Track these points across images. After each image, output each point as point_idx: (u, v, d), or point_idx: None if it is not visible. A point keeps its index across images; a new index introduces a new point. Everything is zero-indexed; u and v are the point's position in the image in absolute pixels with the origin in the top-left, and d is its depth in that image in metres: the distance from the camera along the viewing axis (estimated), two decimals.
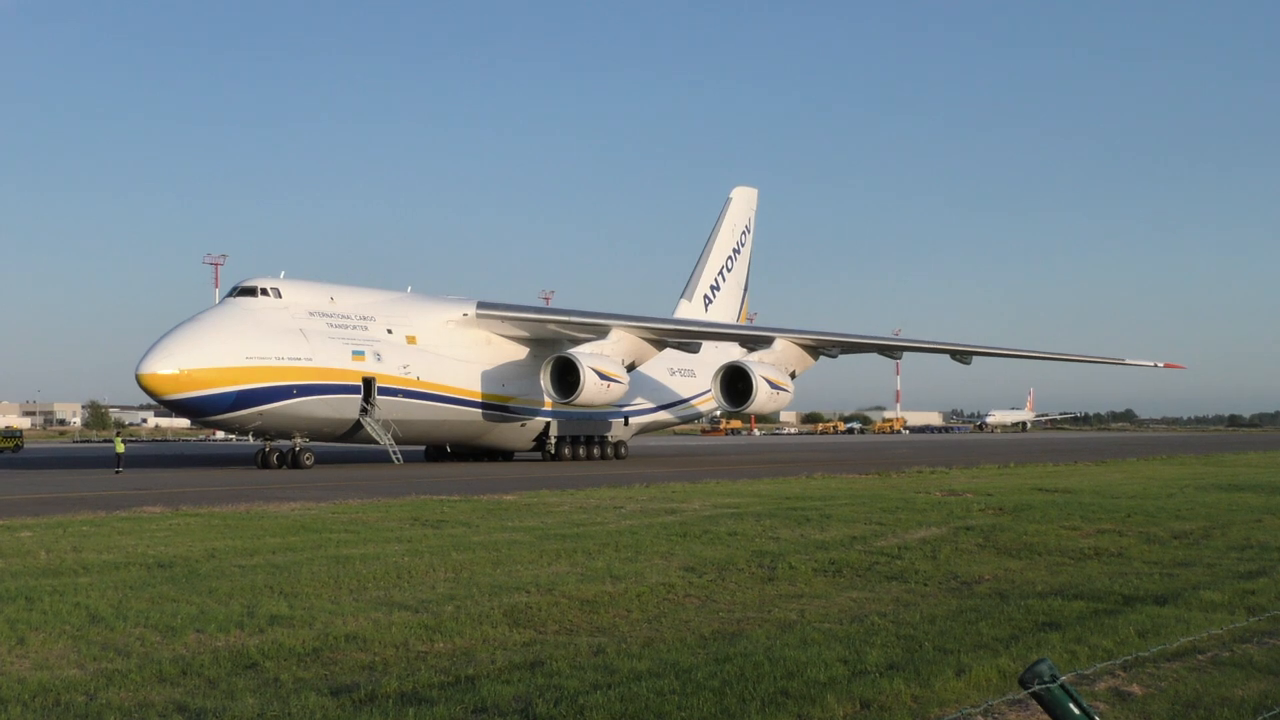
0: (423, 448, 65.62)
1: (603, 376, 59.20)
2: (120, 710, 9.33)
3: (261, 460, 54.68)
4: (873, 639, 11.99)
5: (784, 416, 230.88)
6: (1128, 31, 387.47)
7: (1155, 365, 78.00)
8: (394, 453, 56.29)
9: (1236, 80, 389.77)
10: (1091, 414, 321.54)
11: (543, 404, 62.64)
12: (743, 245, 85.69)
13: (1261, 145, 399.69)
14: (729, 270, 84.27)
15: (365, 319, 57.64)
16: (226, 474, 49.52)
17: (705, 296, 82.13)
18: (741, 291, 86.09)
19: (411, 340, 58.92)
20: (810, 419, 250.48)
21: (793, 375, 66.22)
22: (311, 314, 55.42)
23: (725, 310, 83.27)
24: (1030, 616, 13.35)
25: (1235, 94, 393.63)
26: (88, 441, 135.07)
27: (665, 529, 22.62)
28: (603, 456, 66.25)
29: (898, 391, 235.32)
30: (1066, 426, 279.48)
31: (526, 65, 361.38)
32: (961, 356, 72.46)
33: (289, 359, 53.08)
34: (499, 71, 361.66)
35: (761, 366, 62.96)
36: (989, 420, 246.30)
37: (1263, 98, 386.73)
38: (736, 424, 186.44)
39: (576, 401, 59.30)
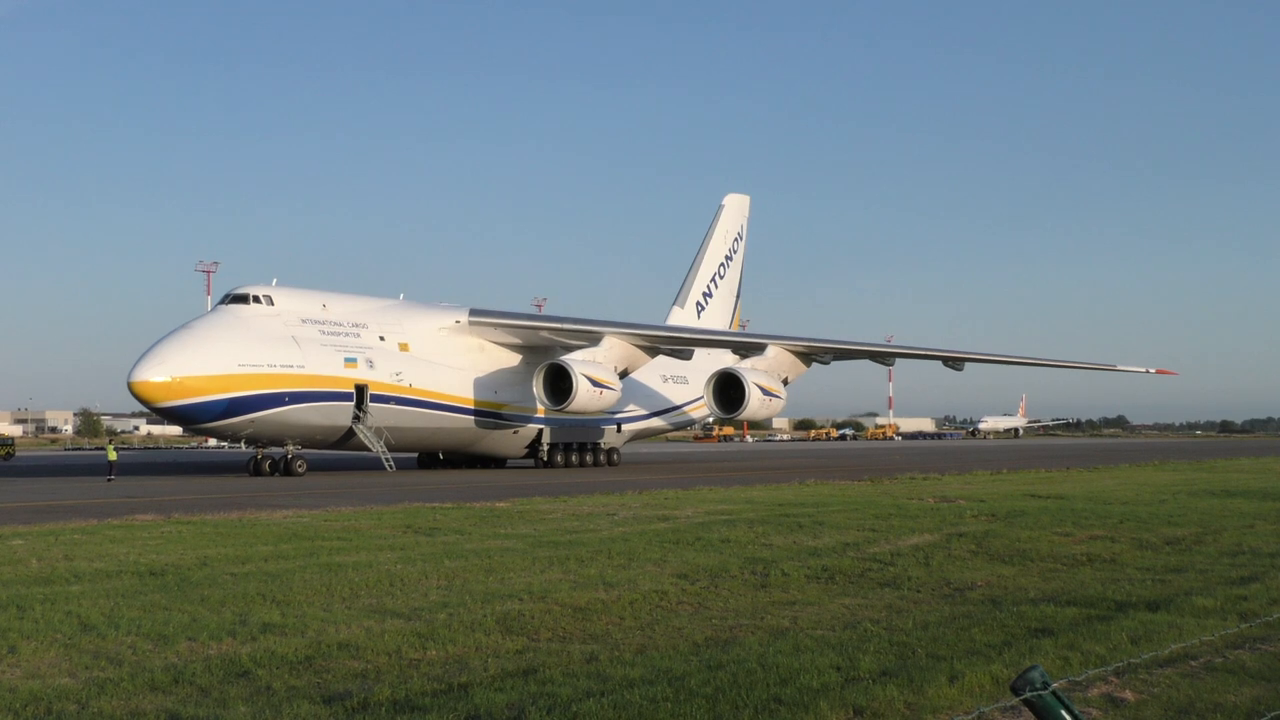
0: (415, 455, 65.56)
1: (595, 383, 59.22)
2: (112, 719, 9.31)
3: (254, 468, 54.63)
4: (866, 646, 11.99)
5: (777, 423, 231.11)
6: (1119, 41, 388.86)
7: (1147, 371, 78.16)
8: (386, 460, 56.27)
9: (1226, 90, 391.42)
10: (1084, 420, 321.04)
11: (535, 411, 62.60)
12: (735, 252, 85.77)
13: (1253, 153, 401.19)
14: (721, 277, 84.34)
15: (358, 326, 57.62)
16: (219, 482, 49.43)
17: (698, 303, 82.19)
18: (734, 298, 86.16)
19: (404, 348, 58.90)
20: (803, 425, 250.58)
21: (785, 382, 66.26)
22: (304, 321, 55.39)
23: (718, 317, 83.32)
24: (1023, 623, 13.36)
25: (1226, 103, 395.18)
26: (79, 449, 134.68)
27: (658, 536, 22.61)
28: (595, 463, 66.21)
29: (890, 398, 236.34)
30: (1059, 433, 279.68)
31: (518, 73, 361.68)
32: (954, 363, 72.61)
33: (281, 366, 53.06)
34: (491, 80, 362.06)
35: (754, 373, 63.01)
36: (981, 426, 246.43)
37: (1253, 107, 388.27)
38: (729, 431, 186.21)
39: (569, 408, 59.32)
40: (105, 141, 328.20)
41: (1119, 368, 78.30)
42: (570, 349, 62.39)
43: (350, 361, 55.76)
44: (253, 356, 52.33)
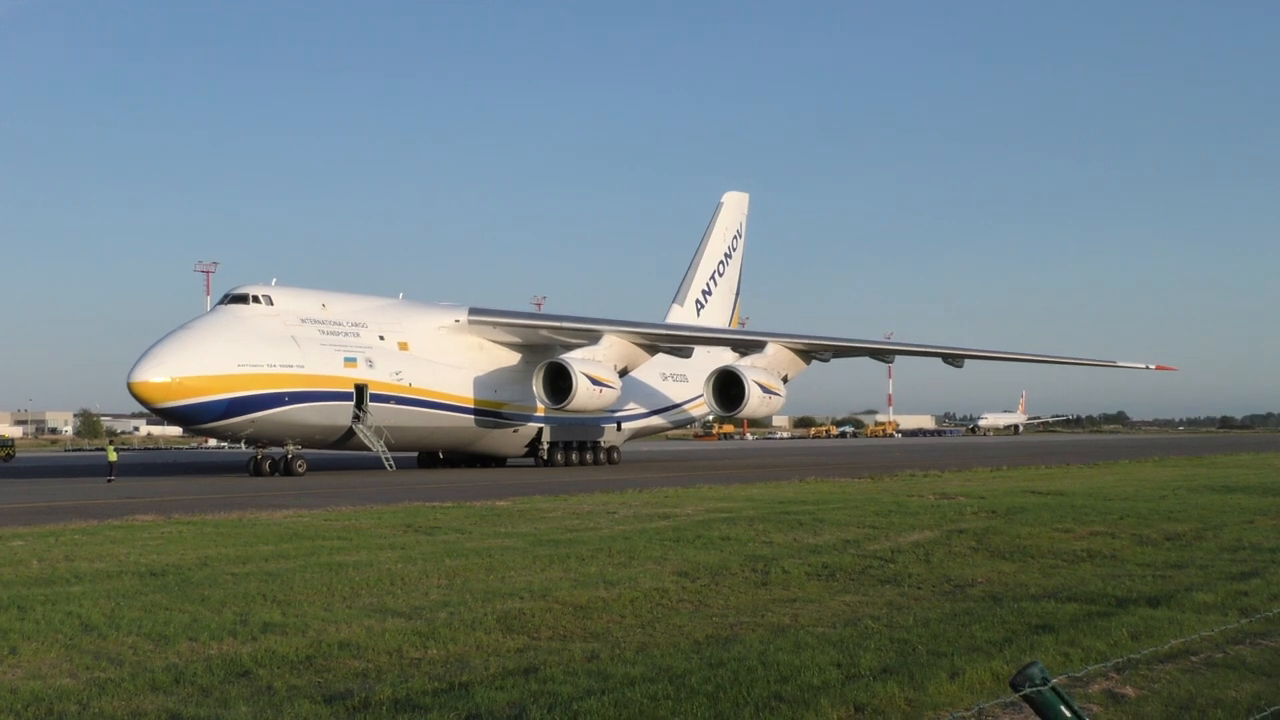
0: (415, 454, 65.56)
1: (595, 382, 59.21)
2: (113, 719, 9.31)
3: (254, 468, 54.61)
4: (866, 642, 12.00)
5: (776, 421, 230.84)
6: (1118, 40, 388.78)
7: (1147, 367, 78.11)
8: (386, 459, 56.27)
9: (1226, 89, 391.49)
10: (1084, 416, 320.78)
11: (535, 410, 62.60)
12: (734, 250, 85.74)
13: (1253, 151, 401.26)
14: (721, 275, 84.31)
15: (357, 326, 57.60)
16: (219, 482, 49.43)
17: (697, 301, 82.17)
18: (733, 296, 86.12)
19: (404, 347, 58.88)
20: (803, 423, 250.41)
21: (785, 379, 66.25)
22: (303, 321, 55.38)
23: (717, 315, 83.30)
24: (1023, 619, 13.37)
25: (1225, 102, 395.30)
26: (79, 450, 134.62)
27: (658, 534, 22.62)
28: (595, 462, 66.21)
29: (890, 395, 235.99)
30: (1059, 429, 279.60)
31: (517, 72, 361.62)
32: (953, 360, 72.56)
33: (281, 366, 53.05)
34: (491, 80, 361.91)
35: (753, 371, 63.01)
36: (981, 423, 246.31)
37: (1251, 104, 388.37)
38: (729, 428, 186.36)
39: (569, 407, 59.31)
40: (105, 141, 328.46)
41: (1119, 364, 78.21)
42: (570, 347, 62.37)
43: (350, 361, 55.76)
44: (252, 356, 52.31)
